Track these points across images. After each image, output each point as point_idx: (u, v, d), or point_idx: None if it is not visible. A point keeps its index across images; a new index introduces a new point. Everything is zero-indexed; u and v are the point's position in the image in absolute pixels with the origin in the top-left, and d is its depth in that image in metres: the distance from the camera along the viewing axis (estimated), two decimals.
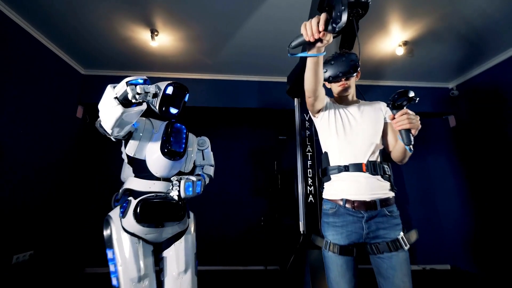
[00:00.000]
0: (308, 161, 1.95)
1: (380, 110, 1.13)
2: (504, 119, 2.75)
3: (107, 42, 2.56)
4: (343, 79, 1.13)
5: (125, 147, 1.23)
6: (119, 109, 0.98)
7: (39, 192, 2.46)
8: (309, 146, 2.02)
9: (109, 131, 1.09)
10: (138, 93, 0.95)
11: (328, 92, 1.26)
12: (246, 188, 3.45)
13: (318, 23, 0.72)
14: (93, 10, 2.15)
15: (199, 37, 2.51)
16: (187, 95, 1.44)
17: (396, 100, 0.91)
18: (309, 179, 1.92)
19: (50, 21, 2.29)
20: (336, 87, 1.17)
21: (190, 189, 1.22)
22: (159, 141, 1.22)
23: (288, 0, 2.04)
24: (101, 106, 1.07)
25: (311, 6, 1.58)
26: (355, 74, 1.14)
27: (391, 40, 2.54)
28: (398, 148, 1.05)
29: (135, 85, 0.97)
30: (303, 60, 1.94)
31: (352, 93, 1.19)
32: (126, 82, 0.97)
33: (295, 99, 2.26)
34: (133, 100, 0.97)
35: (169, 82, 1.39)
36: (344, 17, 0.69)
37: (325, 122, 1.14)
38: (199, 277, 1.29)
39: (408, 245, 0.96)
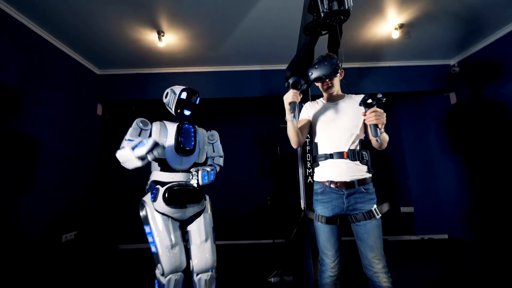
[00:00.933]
0: (307, 147, 2.17)
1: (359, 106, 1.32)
2: (505, 95, 2.79)
3: (118, 44, 2.77)
4: (326, 80, 1.32)
5: None
6: (139, 163, 1.28)
7: (77, 181, 2.85)
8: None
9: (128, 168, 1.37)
10: (152, 155, 1.27)
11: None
12: (253, 171, 3.75)
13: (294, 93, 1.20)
14: (104, 16, 2.34)
15: (201, 35, 2.67)
16: (198, 98, 1.66)
17: (366, 100, 1.11)
18: (308, 162, 2.15)
19: (66, 29, 2.51)
20: (321, 87, 1.38)
21: (206, 177, 1.47)
22: (173, 142, 1.48)
23: None
24: (120, 158, 1.36)
25: (303, 7, 1.73)
26: (337, 75, 1.33)
27: (387, 23, 2.59)
28: (373, 139, 1.23)
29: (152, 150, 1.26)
30: (299, 52, 2.10)
31: (336, 90, 1.39)
32: (139, 157, 1.26)
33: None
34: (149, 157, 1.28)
35: (183, 88, 1.61)
36: (305, 86, 1.24)
37: (313, 122, 1.39)
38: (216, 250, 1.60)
39: (380, 215, 1.20)
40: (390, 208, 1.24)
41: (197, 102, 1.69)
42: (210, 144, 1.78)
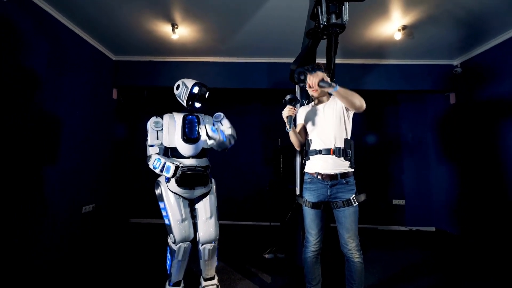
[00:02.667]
0: None
1: (339, 102, 1.48)
2: (502, 98, 2.88)
3: (134, 33, 2.94)
4: (301, 85, 1.54)
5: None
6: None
7: (95, 159, 3.14)
8: None
9: None
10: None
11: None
12: (256, 158, 4.00)
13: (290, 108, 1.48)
14: (121, 7, 2.47)
15: (212, 28, 2.82)
16: (207, 92, 1.85)
17: (298, 82, 1.53)
18: (304, 153, 2.37)
19: (87, 17, 2.67)
20: (310, 91, 1.57)
21: (215, 130, 1.60)
22: (180, 131, 1.71)
23: None
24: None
25: (308, 13, 1.88)
26: (300, 84, 1.56)
27: (391, 24, 2.67)
28: (345, 102, 1.39)
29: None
30: (302, 53, 2.26)
31: (323, 94, 1.57)
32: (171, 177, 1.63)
33: (296, 86, 2.59)
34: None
35: (195, 82, 1.78)
36: (299, 102, 1.61)
37: (306, 123, 1.61)
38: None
39: (357, 203, 1.43)
40: (366, 199, 1.46)
41: (206, 95, 1.87)
42: (217, 122, 1.93)
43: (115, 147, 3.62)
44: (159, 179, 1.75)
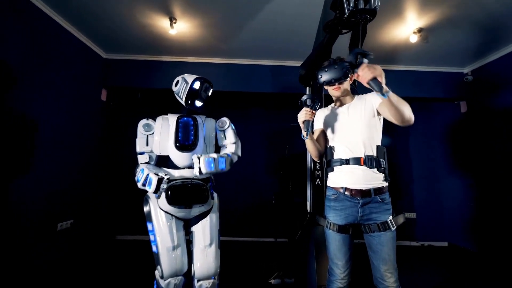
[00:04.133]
0: None
1: (369, 102, 1.25)
2: None
3: (128, 28, 2.67)
4: (336, 84, 1.26)
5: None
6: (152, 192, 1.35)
7: (75, 167, 2.78)
8: None
9: None
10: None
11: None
12: (259, 168, 3.70)
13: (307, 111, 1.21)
14: None
15: (215, 24, 2.58)
16: (211, 89, 1.58)
17: (352, 60, 1.03)
18: (317, 164, 2.10)
19: (72, 7, 2.38)
20: (331, 90, 1.32)
21: (212, 165, 1.32)
22: (173, 137, 1.43)
23: None
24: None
25: (324, 3, 1.65)
26: (347, 79, 1.26)
27: (406, 27, 2.52)
28: (392, 113, 1.06)
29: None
30: (316, 50, 2.03)
31: (346, 94, 1.33)
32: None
33: (307, 88, 2.36)
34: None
35: (196, 76, 1.52)
36: (318, 104, 1.26)
37: (327, 128, 1.35)
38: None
39: (395, 226, 1.16)
40: (405, 220, 1.19)
41: (210, 93, 1.60)
42: (221, 131, 1.65)
43: (102, 154, 3.27)
44: (149, 193, 1.44)
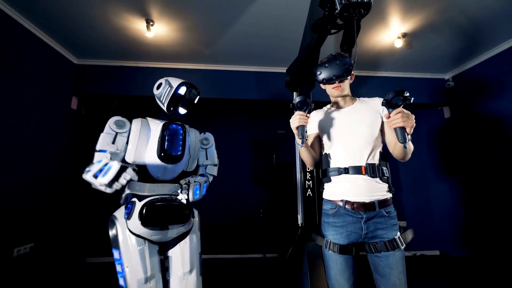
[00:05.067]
0: None
1: (376, 108, 1.14)
2: (498, 110, 2.80)
3: (101, 31, 2.47)
4: (336, 81, 1.13)
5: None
6: (105, 190, 1.05)
7: (37, 185, 2.45)
8: None
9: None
10: (114, 183, 1.00)
11: (322, 94, 1.27)
12: (245, 178, 3.50)
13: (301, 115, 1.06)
14: None
15: (196, 27, 2.43)
16: (198, 97, 1.42)
17: (391, 99, 0.93)
18: (307, 173, 1.95)
19: (39, 8, 2.17)
20: (330, 89, 1.18)
21: (198, 192, 1.22)
22: (156, 145, 1.22)
23: None
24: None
25: (311, 1, 1.55)
26: (349, 76, 1.15)
27: (391, 32, 2.51)
28: (398, 147, 1.05)
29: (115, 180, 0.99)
30: (303, 53, 1.92)
31: (346, 95, 1.21)
32: (93, 175, 1.04)
33: (294, 92, 2.24)
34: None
35: (183, 81, 1.35)
36: (312, 106, 1.12)
37: (323, 132, 1.19)
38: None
39: (404, 245, 1.01)
40: (414, 236, 1.05)
41: (196, 101, 1.44)
42: (203, 149, 1.52)
43: (70, 167, 2.94)
44: (116, 213, 1.21)
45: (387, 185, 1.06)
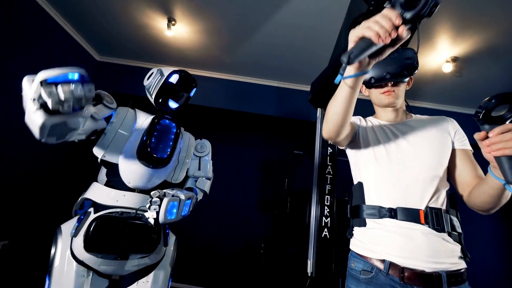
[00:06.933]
0: (327, 186, 1.59)
1: (446, 130, 0.79)
2: None
3: (123, 28, 2.41)
4: (389, 84, 0.80)
5: (94, 144, 0.95)
6: (40, 116, 0.62)
7: (13, 182, 2.24)
8: (329, 167, 1.67)
9: (41, 139, 0.70)
10: (61, 100, 0.61)
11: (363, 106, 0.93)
12: (250, 203, 3.11)
13: (390, 18, 0.48)
14: None
15: (218, 31, 2.28)
16: (194, 89, 1.16)
17: (492, 108, 0.55)
18: (325, 207, 1.56)
19: (70, 3, 2.17)
20: (377, 95, 0.83)
21: (174, 210, 0.87)
22: (137, 142, 0.93)
23: None
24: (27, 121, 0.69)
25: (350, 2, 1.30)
26: (408, 78, 0.80)
27: (438, 54, 2.18)
28: (483, 190, 0.64)
29: (59, 83, 0.60)
30: (332, 66, 1.63)
31: (400, 105, 0.86)
32: (42, 81, 0.59)
33: (318, 109, 1.93)
34: (60, 109, 0.62)
35: (175, 69, 1.13)
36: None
37: (359, 147, 0.82)
38: None
39: None
40: None
41: (192, 94, 1.20)
42: (196, 157, 1.23)
43: (66, 160, 2.75)
44: (63, 226, 0.91)
45: (460, 246, 0.67)
